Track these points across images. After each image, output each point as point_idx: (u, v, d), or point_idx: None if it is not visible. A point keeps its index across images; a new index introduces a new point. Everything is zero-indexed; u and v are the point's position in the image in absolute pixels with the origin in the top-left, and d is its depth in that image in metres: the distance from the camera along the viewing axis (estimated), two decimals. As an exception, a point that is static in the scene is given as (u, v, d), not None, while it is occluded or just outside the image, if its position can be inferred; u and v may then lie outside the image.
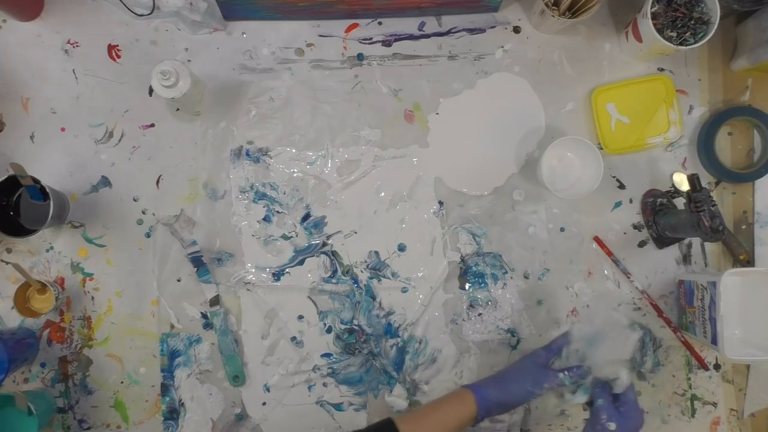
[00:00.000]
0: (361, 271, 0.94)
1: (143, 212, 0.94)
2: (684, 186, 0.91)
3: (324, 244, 0.94)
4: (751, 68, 0.94)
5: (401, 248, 0.94)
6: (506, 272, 0.94)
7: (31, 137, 0.93)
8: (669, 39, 0.86)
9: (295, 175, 0.95)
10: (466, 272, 0.94)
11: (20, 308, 0.89)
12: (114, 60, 0.95)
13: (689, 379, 0.95)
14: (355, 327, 0.93)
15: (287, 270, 0.94)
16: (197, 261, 0.92)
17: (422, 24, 0.97)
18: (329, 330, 0.94)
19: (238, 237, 0.94)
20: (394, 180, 0.95)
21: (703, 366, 0.94)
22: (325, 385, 0.93)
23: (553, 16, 0.88)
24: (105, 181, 0.94)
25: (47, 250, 0.93)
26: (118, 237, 0.93)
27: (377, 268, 0.94)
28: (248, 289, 0.93)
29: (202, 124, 0.95)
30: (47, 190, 0.85)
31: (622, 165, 0.96)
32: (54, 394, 0.91)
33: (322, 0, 0.90)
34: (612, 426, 0.73)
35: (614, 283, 0.95)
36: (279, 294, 0.93)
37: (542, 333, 0.94)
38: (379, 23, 0.96)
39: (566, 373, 0.77)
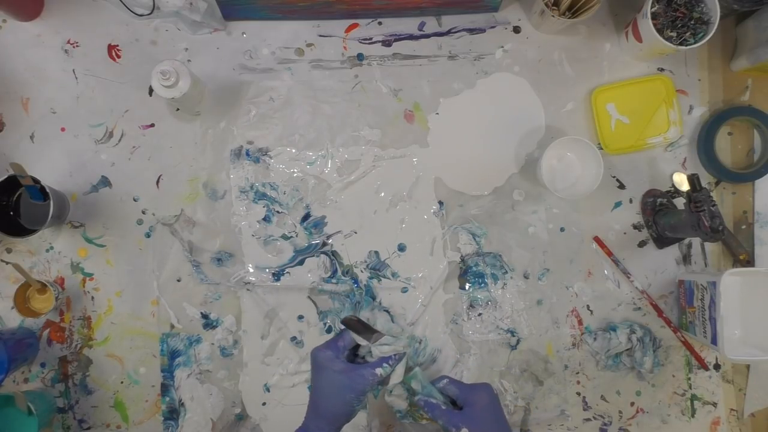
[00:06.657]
0: (361, 271, 0.94)
1: (143, 212, 0.94)
2: (684, 186, 0.91)
3: (324, 244, 0.94)
4: (751, 68, 0.94)
5: (401, 248, 0.94)
6: (506, 272, 0.94)
7: (31, 137, 0.93)
8: (669, 39, 0.86)
9: (295, 175, 0.95)
10: (466, 272, 0.94)
11: (20, 308, 0.89)
12: (114, 60, 0.95)
13: (689, 379, 0.95)
14: (355, 327, 0.93)
15: (287, 270, 0.94)
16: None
17: (422, 24, 0.96)
18: (329, 330, 0.94)
19: (238, 237, 0.94)
20: (394, 180, 0.95)
21: (703, 366, 0.94)
22: (325, 385, 0.93)
23: (553, 16, 0.88)
24: (105, 181, 0.94)
25: (47, 250, 0.93)
26: (118, 237, 0.93)
27: (377, 268, 0.94)
28: (248, 289, 0.93)
29: (202, 124, 0.95)
30: (47, 190, 0.85)
31: (622, 165, 0.96)
32: (54, 394, 0.91)
33: (322, 0, 0.90)
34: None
35: (614, 283, 0.95)
36: (279, 294, 0.93)
37: (542, 333, 0.94)
38: (379, 23, 0.96)
39: (385, 364, 0.75)
